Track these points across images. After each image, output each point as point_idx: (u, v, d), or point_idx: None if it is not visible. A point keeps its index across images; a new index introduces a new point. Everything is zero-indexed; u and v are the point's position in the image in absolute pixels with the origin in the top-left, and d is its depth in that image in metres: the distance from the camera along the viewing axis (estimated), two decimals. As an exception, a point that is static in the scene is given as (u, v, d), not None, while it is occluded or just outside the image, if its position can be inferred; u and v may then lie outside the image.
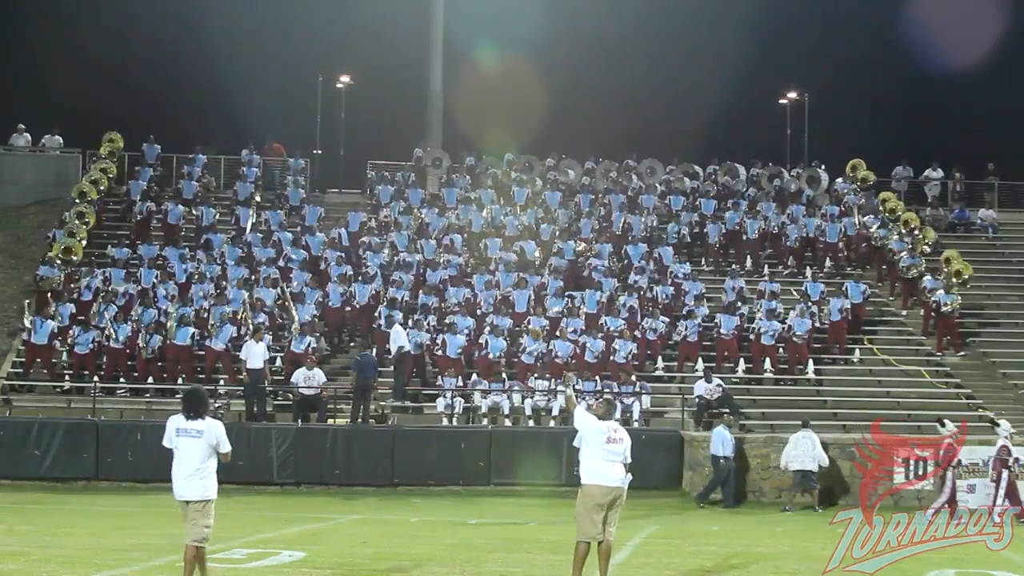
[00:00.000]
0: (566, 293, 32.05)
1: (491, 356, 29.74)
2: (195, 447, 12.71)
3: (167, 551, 16.61)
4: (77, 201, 35.14)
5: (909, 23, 52.33)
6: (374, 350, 30.25)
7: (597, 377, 29.14)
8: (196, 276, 32.01)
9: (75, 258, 32.64)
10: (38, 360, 29.63)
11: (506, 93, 49.01)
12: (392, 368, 29.60)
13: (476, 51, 49.03)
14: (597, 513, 13.46)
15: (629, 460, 13.69)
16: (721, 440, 25.60)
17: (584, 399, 26.56)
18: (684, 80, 54.76)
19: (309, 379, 28.27)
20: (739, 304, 31.78)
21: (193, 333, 29.45)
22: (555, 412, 28.30)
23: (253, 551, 16.66)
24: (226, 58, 49.40)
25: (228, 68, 49.62)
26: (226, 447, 12.90)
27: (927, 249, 35.39)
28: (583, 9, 49.79)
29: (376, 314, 30.83)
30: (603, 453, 13.50)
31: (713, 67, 52.87)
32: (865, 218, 36.88)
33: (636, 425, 27.73)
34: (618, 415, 27.20)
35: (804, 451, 25.10)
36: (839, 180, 39.38)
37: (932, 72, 51.04)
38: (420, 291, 31.95)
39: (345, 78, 46.19)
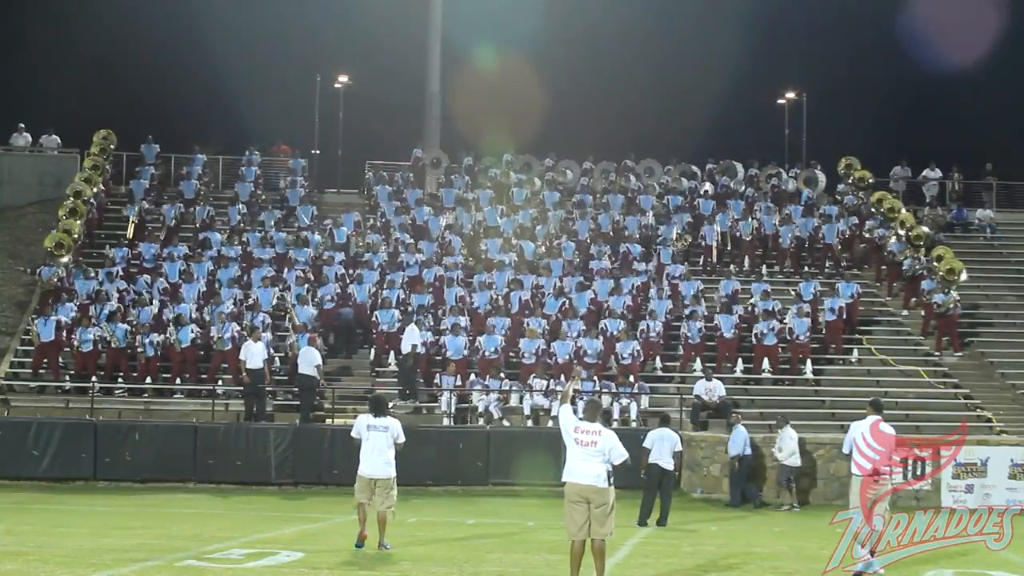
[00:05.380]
0: (563, 292, 32.04)
1: (487, 354, 29.67)
2: (381, 439, 16.89)
3: (166, 551, 16.61)
4: (71, 198, 35.03)
5: (907, 23, 52.32)
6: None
7: (596, 377, 29.12)
8: (192, 276, 31.97)
9: (64, 257, 32.02)
10: (46, 360, 29.56)
11: (504, 93, 48.96)
12: (398, 369, 29.74)
13: (474, 51, 49.00)
14: (575, 511, 13.54)
15: (615, 462, 13.57)
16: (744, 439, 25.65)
17: (582, 399, 26.57)
18: (683, 80, 54.73)
19: (309, 355, 27.90)
20: (735, 304, 31.77)
21: (194, 331, 29.38)
22: (554, 412, 28.25)
23: (251, 551, 16.64)
24: (224, 58, 49.36)
25: (226, 68, 49.58)
26: (402, 439, 17.09)
27: (919, 246, 35.33)
28: (581, 9, 49.75)
29: (373, 316, 30.81)
30: (576, 451, 13.63)
31: (711, 67, 52.85)
32: (868, 220, 36.84)
33: (635, 425, 27.70)
34: (616, 415, 27.84)
35: (795, 447, 25.46)
36: (840, 186, 39.42)
37: (931, 72, 51.02)
38: (415, 292, 31.86)
39: (343, 78, 46.13)
